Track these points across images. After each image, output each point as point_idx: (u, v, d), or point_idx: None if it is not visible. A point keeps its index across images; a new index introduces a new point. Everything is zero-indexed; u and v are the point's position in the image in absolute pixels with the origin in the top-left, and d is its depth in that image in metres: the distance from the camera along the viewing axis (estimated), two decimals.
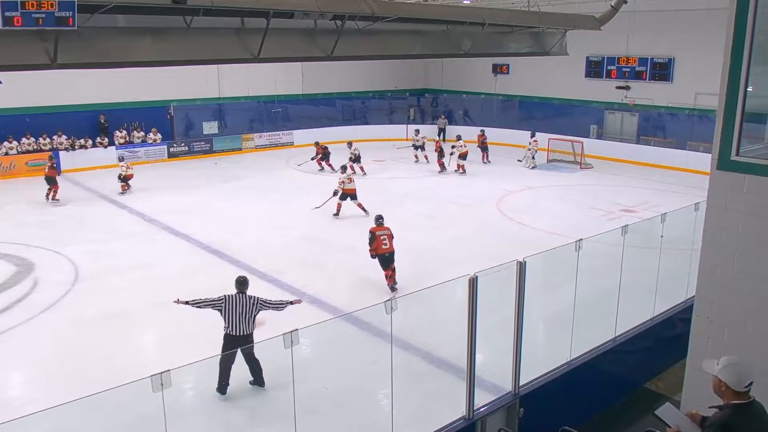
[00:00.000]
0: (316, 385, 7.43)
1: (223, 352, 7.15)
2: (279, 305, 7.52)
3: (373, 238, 10.42)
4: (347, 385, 7.77)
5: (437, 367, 8.20)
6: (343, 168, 15.90)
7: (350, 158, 19.67)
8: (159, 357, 8.21)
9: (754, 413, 3.67)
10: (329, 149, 21.19)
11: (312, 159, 21.13)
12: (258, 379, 7.35)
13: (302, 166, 20.95)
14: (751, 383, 3.62)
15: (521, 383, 6.46)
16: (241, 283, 7.46)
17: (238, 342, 7.09)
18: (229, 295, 7.26)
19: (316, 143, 21.66)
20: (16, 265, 12.05)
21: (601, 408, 7.30)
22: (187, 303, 7.24)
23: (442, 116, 28.16)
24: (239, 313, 7.17)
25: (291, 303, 7.61)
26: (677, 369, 7.47)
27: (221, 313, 7.21)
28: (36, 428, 5.20)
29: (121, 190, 17.84)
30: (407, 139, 24.03)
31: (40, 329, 9.50)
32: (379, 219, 10.75)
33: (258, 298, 7.38)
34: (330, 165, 20.82)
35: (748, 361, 3.79)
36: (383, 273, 10.54)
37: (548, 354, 7.51)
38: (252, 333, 7.26)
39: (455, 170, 20.62)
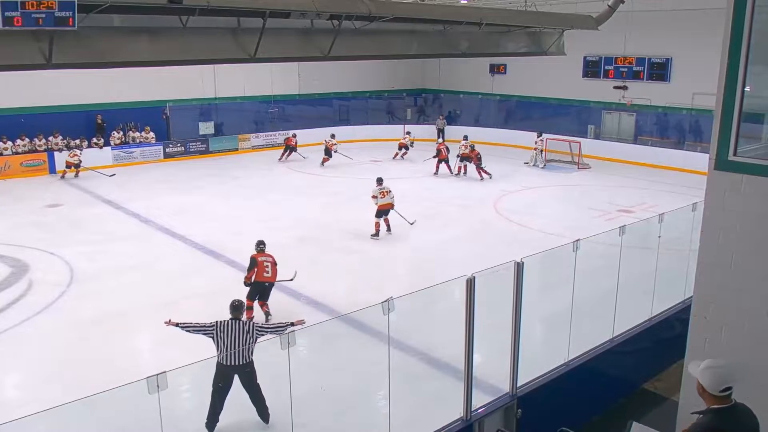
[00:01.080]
0: (314, 385, 7.40)
1: (213, 381, 6.60)
2: (278, 328, 6.89)
3: (255, 264, 9.45)
4: (345, 385, 7.74)
5: (435, 368, 8.18)
6: (379, 181, 14.16)
7: (325, 148, 21.66)
8: (156, 358, 8.18)
9: (737, 417, 3.60)
10: (294, 146, 23.07)
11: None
12: (262, 412, 6.84)
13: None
14: (729, 387, 3.56)
15: (519, 384, 6.45)
16: (236, 308, 6.95)
17: (231, 372, 6.64)
18: (221, 321, 6.73)
19: (294, 135, 23.40)
20: (10, 266, 11.99)
21: (599, 409, 7.30)
22: (177, 325, 6.92)
23: (441, 117, 28.10)
24: (232, 341, 6.66)
25: (292, 324, 7.01)
26: (675, 369, 7.46)
27: (213, 341, 6.73)
28: (32, 430, 5.16)
29: (60, 175, 19.84)
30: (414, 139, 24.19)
31: (35, 331, 9.45)
32: (260, 245, 9.73)
33: (254, 323, 6.92)
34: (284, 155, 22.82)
35: (740, 363, 3.78)
36: (245, 301, 8.71)
37: (546, 355, 7.50)
38: (251, 362, 6.71)
39: (456, 173, 20.47)
